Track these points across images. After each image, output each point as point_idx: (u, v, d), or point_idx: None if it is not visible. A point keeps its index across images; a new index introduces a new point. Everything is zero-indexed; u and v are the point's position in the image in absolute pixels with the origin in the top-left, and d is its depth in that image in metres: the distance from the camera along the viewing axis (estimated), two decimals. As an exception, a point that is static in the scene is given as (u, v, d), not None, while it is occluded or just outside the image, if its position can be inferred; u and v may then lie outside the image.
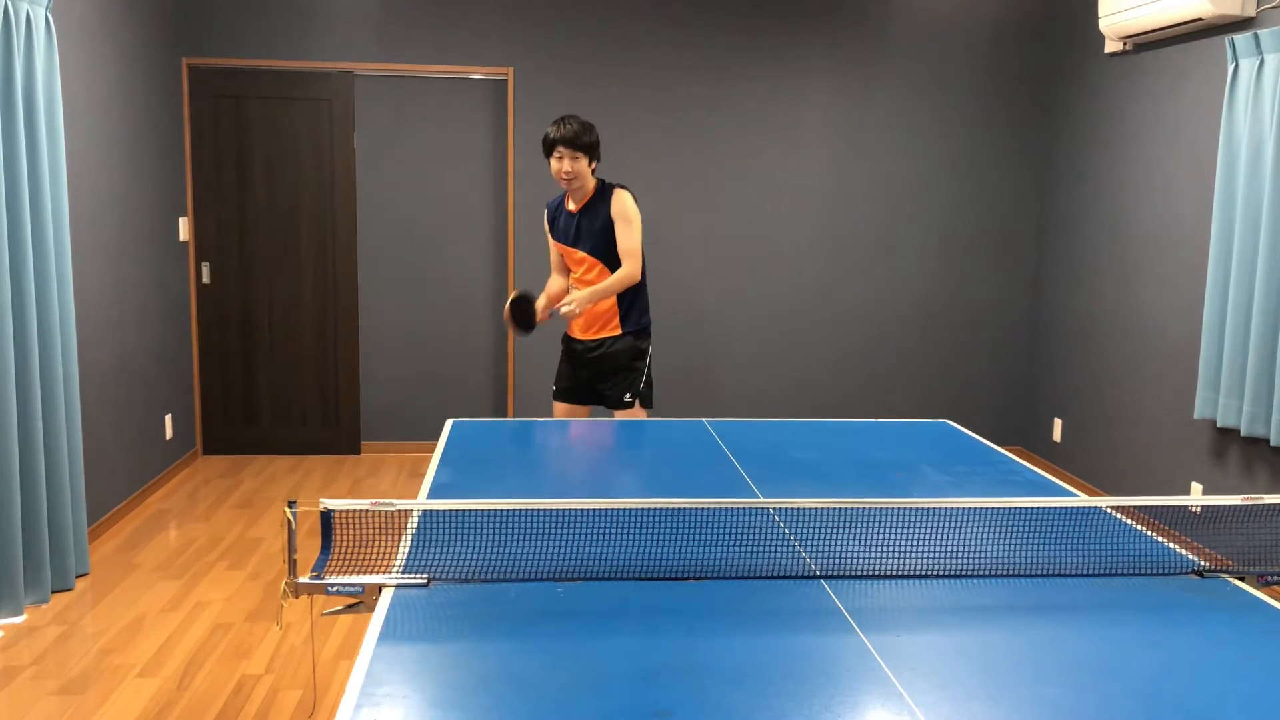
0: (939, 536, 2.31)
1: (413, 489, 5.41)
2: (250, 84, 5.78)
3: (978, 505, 2.36)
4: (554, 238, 4.11)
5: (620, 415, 4.11)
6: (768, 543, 2.28)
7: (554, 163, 3.89)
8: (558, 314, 3.98)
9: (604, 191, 3.96)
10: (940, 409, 6.31)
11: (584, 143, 3.85)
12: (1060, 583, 2.08)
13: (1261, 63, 4.15)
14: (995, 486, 2.77)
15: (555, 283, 4.20)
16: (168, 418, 5.47)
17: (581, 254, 4.02)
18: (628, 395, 4.09)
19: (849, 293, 6.19)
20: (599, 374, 4.13)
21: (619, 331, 4.07)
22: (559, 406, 4.24)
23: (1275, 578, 2.12)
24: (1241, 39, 4.24)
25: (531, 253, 5.98)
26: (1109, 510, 2.58)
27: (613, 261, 3.97)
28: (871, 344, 6.23)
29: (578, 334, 4.13)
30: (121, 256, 4.85)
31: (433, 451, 4.02)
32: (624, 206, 3.92)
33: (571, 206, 4.02)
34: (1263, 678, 1.68)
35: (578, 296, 3.92)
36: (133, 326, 4.98)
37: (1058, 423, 5.91)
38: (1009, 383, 6.32)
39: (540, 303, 4.11)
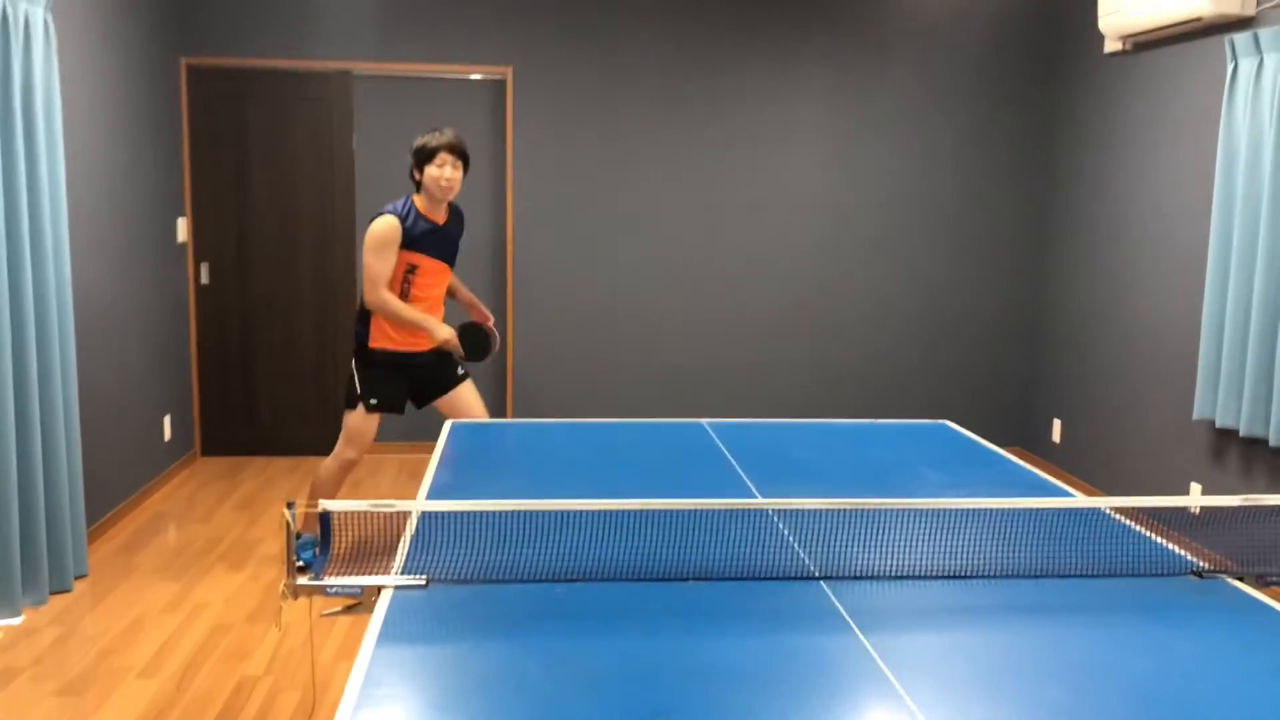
0: (938, 537, 2.30)
1: (412, 490, 5.41)
2: (250, 84, 5.78)
3: (977, 506, 2.36)
4: (420, 251, 4.00)
5: (467, 393, 4.26)
6: (767, 544, 2.27)
7: (436, 170, 3.93)
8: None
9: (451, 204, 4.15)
10: (940, 409, 6.31)
11: (465, 151, 3.98)
12: (1060, 583, 2.08)
13: (1261, 62, 4.15)
14: (994, 487, 2.77)
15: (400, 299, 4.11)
16: (167, 419, 5.46)
17: (443, 266, 4.10)
18: (460, 369, 4.30)
19: (848, 293, 6.18)
20: (428, 376, 4.23)
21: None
22: (375, 420, 4.17)
23: (1275, 578, 2.12)
24: (1241, 39, 4.24)
25: (531, 252, 5.98)
26: (1108, 511, 2.58)
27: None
28: (871, 344, 6.23)
29: (422, 348, 4.15)
30: (121, 257, 4.85)
31: (432, 452, 4.02)
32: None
33: (439, 219, 4.05)
34: (1263, 678, 1.68)
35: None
36: (132, 326, 4.98)
37: (1057, 423, 5.91)
38: (1009, 383, 6.32)
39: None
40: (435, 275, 4.06)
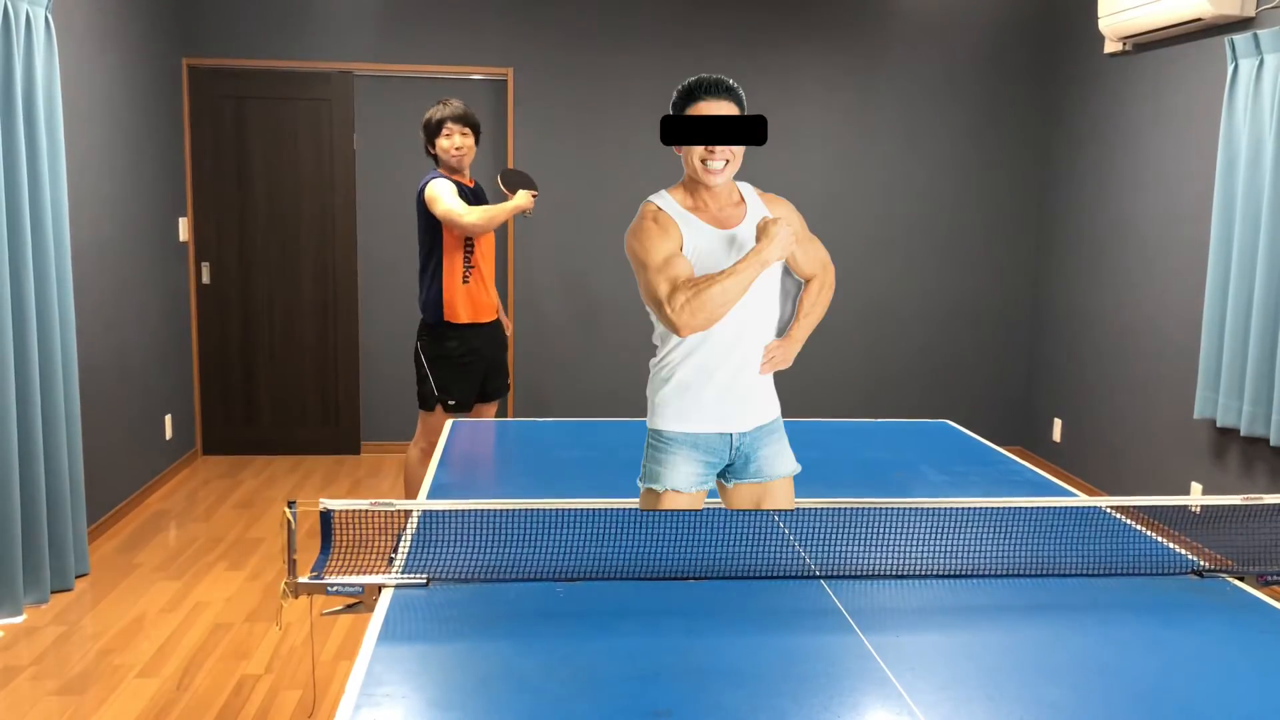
0: (939, 536, 2.30)
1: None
2: (250, 84, 5.78)
3: (978, 505, 2.36)
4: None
5: (489, 411, 4.18)
6: (768, 543, 2.28)
7: (445, 141, 4.00)
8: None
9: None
10: (940, 409, 6.30)
11: (471, 119, 4.03)
12: (1060, 583, 2.08)
13: (1261, 63, 4.14)
14: (995, 486, 2.77)
15: None
16: (168, 418, 5.47)
17: (488, 235, 4.11)
18: (507, 382, 4.23)
19: (848, 293, 6.16)
20: (491, 373, 4.15)
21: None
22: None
23: (1275, 578, 2.12)
24: (1241, 39, 4.23)
25: (532, 251, 5.98)
26: (1109, 510, 2.58)
27: None
28: (871, 344, 6.22)
29: (480, 317, 4.08)
30: (121, 256, 4.85)
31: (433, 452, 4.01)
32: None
33: (468, 184, 4.14)
34: (1263, 678, 1.68)
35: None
36: (133, 326, 4.98)
37: (1058, 423, 5.91)
38: (1009, 383, 6.32)
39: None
40: (488, 244, 4.08)
